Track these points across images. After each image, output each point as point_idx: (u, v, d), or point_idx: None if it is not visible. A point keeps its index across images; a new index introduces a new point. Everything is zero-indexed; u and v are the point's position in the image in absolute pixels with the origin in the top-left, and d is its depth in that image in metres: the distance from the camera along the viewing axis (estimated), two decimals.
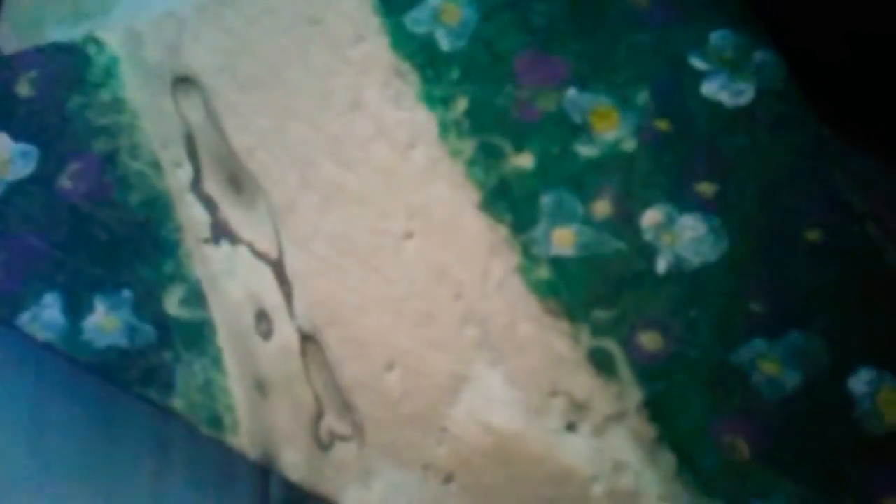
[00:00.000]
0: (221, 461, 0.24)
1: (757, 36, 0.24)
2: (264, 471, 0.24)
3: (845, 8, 0.24)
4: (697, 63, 0.24)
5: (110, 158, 0.24)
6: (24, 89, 0.25)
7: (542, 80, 0.24)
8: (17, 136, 0.24)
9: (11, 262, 0.23)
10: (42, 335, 0.22)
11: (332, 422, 0.22)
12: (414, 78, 0.25)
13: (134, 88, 0.25)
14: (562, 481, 0.21)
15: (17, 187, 0.24)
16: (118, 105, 0.24)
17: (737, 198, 0.23)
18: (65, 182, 0.24)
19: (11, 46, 0.28)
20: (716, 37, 0.25)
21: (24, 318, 0.22)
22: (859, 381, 0.21)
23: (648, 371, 0.22)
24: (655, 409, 0.21)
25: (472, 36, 0.25)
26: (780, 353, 0.22)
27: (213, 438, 0.24)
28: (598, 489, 0.21)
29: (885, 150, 0.24)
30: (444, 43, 0.25)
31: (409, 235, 0.23)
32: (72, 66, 0.25)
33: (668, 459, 0.21)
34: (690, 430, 0.21)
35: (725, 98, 0.24)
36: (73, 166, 0.24)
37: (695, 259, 0.23)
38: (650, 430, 0.21)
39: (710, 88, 0.24)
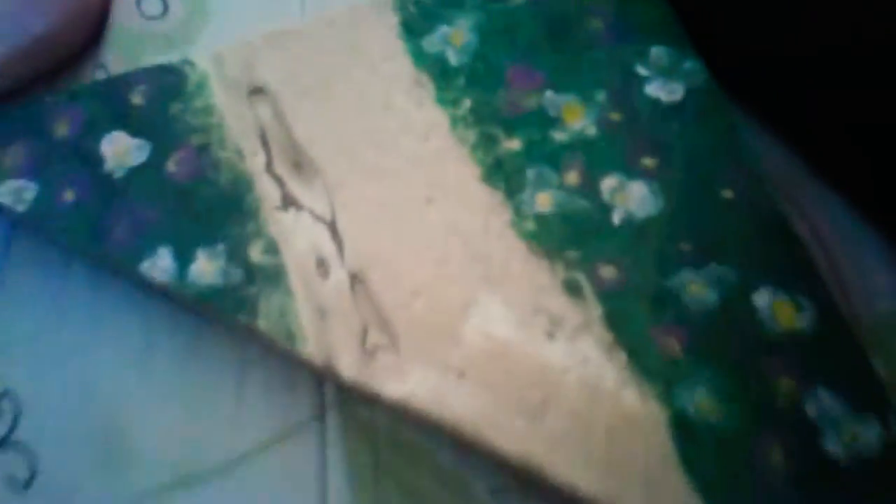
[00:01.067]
0: (287, 375, 0.31)
1: (686, 49, 0.32)
2: (320, 380, 0.31)
3: (750, 27, 0.32)
4: (641, 70, 0.32)
5: (204, 149, 0.32)
6: (136, 99, 0.33)
7: (526, 86, 0.32)
8: (133, 134, 0.32)
9: (134, 225, 0.30)
10: (159, 278, 0.30)
11: (375, 336, 0.29)
12: (430, 86, 0.32)
13: (220, 97, 0.32)
14: (544, 372, 0.28)
15: (136, 171, 0.31)
16: (208, 110, 0.32)
17: (671, 168, 0.30)
18: (171, 167, 0.31)
19: (118, 69, 0.36)
20: (655, 51, 0.32)
21: (145, 266, 0.30)
22: (760, 297, 0.29)
23: (606, 294, 0.29)
24: (612, 320, 0.29)
25: (473, 54, 0.33)
26: (703, 279, 0.29)
27: (280, 360, 0.31)
28: (570, 377, 0.28)
29: (781, 127, 0.32)
30: (453, 59, 0.33)
31: (429, 201, 0.31)
32: (173, 82, 0.33)
33: (622, 356, 0.28)
34: (637, 334, 0.28)
35: (663, 96, 0.32)
36: (177, 156, 0.31)
37: (640, 213, 0.30)
38: (608, 336, 0.29)
39: (651, 89, 0.32)
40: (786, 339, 0.28)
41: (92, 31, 0.36)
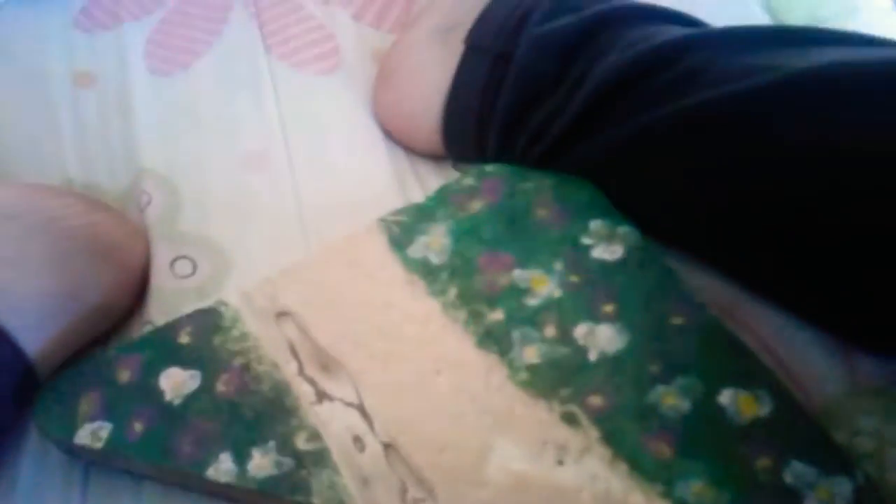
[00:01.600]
0: None
1: (617, 218, 0.40)
2: None
3: (660, 194, 0.40)
4: (586, 240, 0.40)
5: (245, 367, 0.38)
6: (184, 339, 0.39)
7: (498, 268, 0.39)
8: (185, 367, 0.38)
9: (196, 440, 0.36)
10: (224, 479, 0.35)
11: (414, 492, 0.34)
12: (421, 283, 0.39)
13: (252, 325, 0.39)
14: (561, 494, 0.33)
15: (192, 396, 0.37)
16: (244, 336, 0.39)
17: (628, 310, 0.37)
18: (220, 387, 0.37)
19: (161, 321, 0.42)
20: (594, 224, 0.40)
21: (211, 471, 0.35)
22: (724, 397, 0.34)
23: (599, 418, 0.35)
24: (608, 439, 0.34)
25: (450, 252, 0.40)
26: (674, 391, 0.35)
27: None
28: (584, 495, 0.33)
29: (711, 260, 0.40)
30: (435, 260, 0.40)
31: (437, 372, 0.36)
32: (211, 320, 0.39)
33: (623, 467, 0.33)
34: (632, 446, 0.34)
35: (607, 256, 0.39)
36: (224, 377, 0.37)
37: (611, 349, 0.36)
38: (608, 452, 0.34)
39: (597, 253, 0.39)
40: (754, 427, 0.34)
41: (136, 295, 0.44)
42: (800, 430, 0.34)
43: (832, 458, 0.33)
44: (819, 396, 0.37)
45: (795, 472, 0.33)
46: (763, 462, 0.33)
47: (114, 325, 0.43)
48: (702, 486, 0.33)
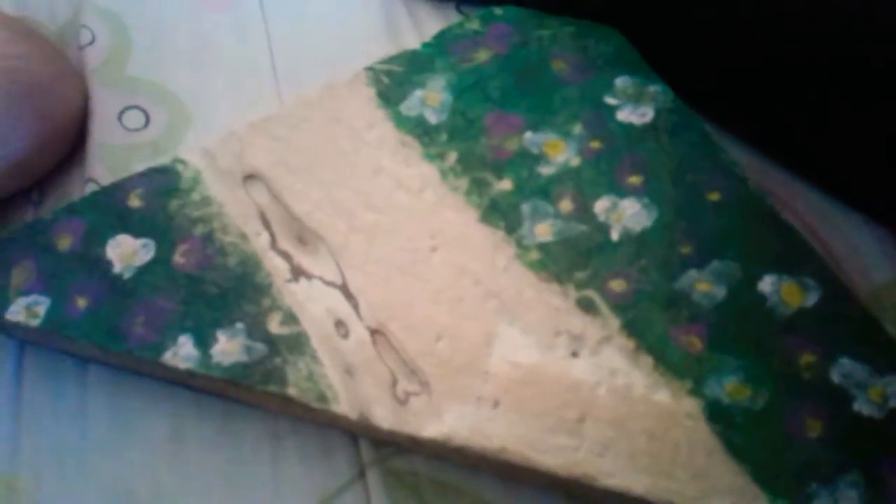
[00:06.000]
0: (321, 441, 0.31)
1: (648, 74, 0.34)
2: (354, 439, 0.31)
3: (703, 49, 0.35)
4: (610, 100, 0.34)
5: (208, 237, 0.32)
6: (134, 202, 0.33)
7: (506, 131, 0.34)
8: (136, 235, 0.33)
9: (149, 320, 0.31)
10: (183, 365, 0.30)
11: (405, 384, 0.30)
12: (416, 145, 0.34)
13: (215, 188, 0.34)
14: (576, 390, 0.29)
15: (145, 269, 0.32)
16: (206, 201, 0.33)
17: (657, 182, 0.32)
18: (178, 259, 0.32)
19: (108, 181, 0.36)
20: (620, 81, 0.35)
21: (168, 356, 0.30)
22: (766, 284, 0.30)
23: (620, 306, 0.30)
24: (631, 329, 0.30)
25: (450, 110, 0.34)
26: (709, 276, 0.30)
27: (312, 428, 0.31)
28: (601, 390, 0.29)
29: (750, 131, 0.34)
30: (432, 118, 0.35)
31: (434, 249, 0.32)
32: (167, 181, 0.34)
33: (647, 360, 0.29)
34: (658, 337, 0.29)
35: (635, 119, 0.34)
36: (182, 247, 0.32)
37: (636, 227, 0.32)
38: (630, 344, 0.29)
39: (622, 115, 0.34)
40: (798, 318, 0.29)
41: (67, 149, 0.37)
42: (850, 323, 0.29)
43: (885, 354, 0.29)
44: (865, 285, 0.32)
45: (844, 369, 0.28)
46: (807, 358, 0.29)
47: (49, 185, 0.36)
48: (737, 383, 0.28)
